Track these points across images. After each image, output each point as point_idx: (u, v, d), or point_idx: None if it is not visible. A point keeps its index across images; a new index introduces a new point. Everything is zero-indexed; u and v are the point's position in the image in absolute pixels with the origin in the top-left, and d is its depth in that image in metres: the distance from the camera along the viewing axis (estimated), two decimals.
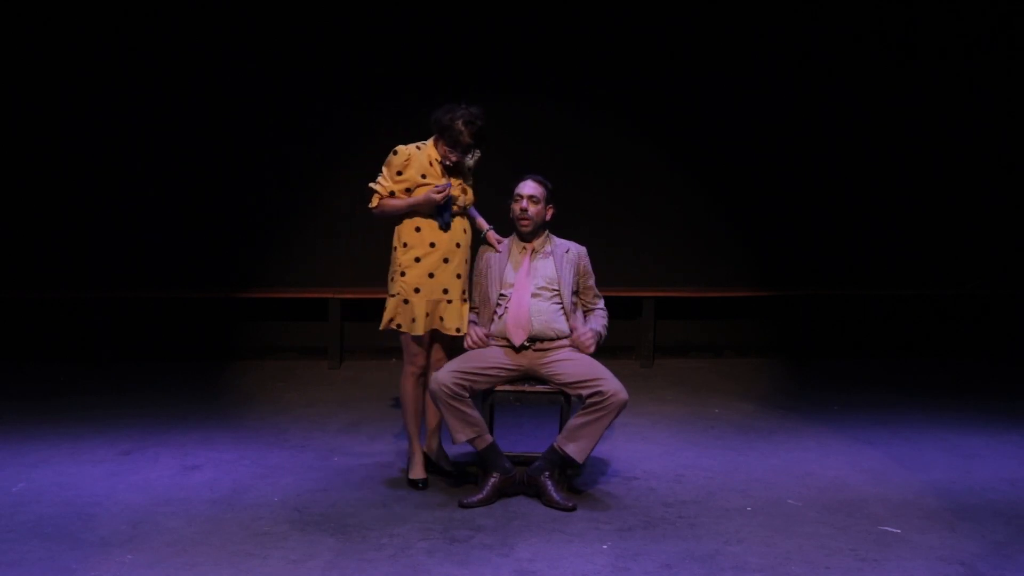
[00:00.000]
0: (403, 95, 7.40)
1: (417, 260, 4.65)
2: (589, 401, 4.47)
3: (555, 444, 4.54)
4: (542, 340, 4.66)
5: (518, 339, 4.63)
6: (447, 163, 4.64)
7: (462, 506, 4.39)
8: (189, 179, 7.34)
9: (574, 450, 4.47)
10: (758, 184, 7.64)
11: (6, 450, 5.11)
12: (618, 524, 4.22)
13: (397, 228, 4.73)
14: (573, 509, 4.38)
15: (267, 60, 7.31)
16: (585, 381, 4.49)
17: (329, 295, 7.27)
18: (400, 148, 4.68)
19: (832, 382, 6.93)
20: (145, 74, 7.24)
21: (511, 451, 4.94)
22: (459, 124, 4.55)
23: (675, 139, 7.58)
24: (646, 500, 4.52)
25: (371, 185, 4.70)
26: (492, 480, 4.48)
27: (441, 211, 4.63)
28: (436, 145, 4.68)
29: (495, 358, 4.63)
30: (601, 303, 4.89)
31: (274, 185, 7.44)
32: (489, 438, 4.54)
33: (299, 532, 4.09)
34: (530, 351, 4.66)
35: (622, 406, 4.47)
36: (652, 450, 5.29)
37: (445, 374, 4.49)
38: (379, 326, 4.78)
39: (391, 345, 7.44)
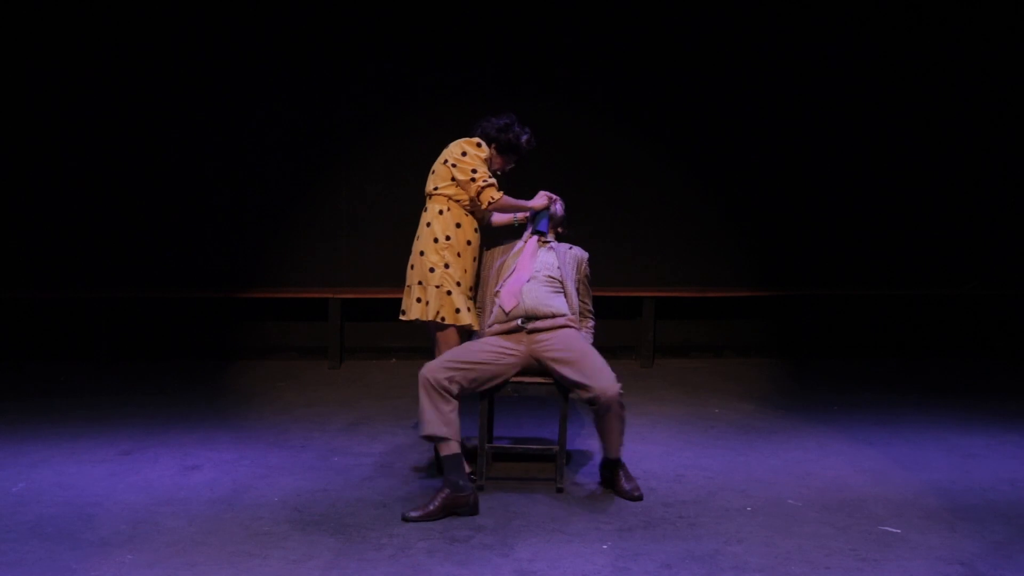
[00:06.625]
0: (404, 96, 7.41)
1: (458, 255, 4.75)
2: (590, 406, 4.50)
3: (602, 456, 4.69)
4: (536, 318, 4.64)
5: (508, 304, 4.65)
6: (498, 173, 4.94)
7: (405, 519, 4.19)
8: (189, 179, 7.35)
9: (609, 451, 4.58)
10: (758, 184, 7.65)
11: (6, 450, 5.11)
12: (618, 524, 4.22)
13: (434, 221, 4.77)
14: (639, 498, 4.50)
15: (267, 60, 7.31)
16: (577, 384, 4.48)
17: (329, 295, 7.27)
18: (480, 140, 4.82)
19: (832, 382, 6.93)
20: (146, 74, 7.25)
21: (510, 447, 4.96)
22: (523, 142, 4.91)
23: (675, 139, 7.58)
24: (646, 500, 4.52)
25: (482, 181, 4.71)
26: (442, 496, 4.26)
27: (538, 216, 4.93)
28: (491, 155, 4.88)
29: (492, 343, 4.61)
30: (592, 313, 4.93)
31: (274, 185, 7.44)
32: (457, 447, 4.36)
33: (299, 532, 4.09)
34: (524, 334, 4.63)
35: (615, 400, 4.41)
36: (652, 450, 5.29)
37: (437, 366, 4.42)
38: (412, 316, 4.75)
39: (391, 345, 7.48)
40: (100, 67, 7.21)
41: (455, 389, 4.40)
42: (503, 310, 4.68)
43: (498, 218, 5.07)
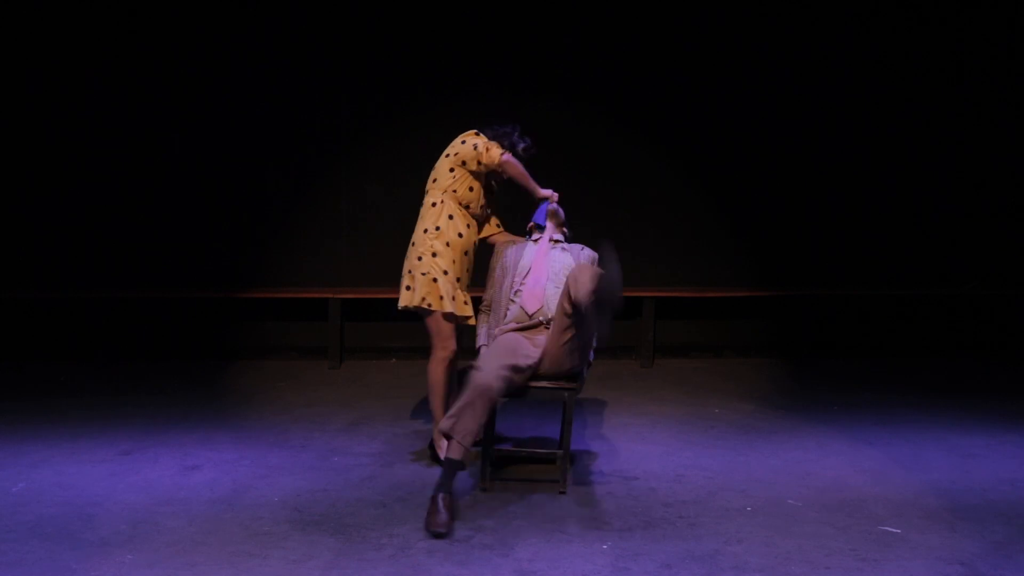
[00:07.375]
0: (404, 96, 7.41)
1: (447, 245, 4.84)
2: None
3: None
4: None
5: (532, 307, 4.73)
6: (493, 182, 5.09)
7: (435, 535, 4.06)
8: (189, 179, 7.34)
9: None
10: (758, 184, 7.65)
11: (6, 450, 5.11)
12: (618, 524, 4.22)
13: (426, 212, 4.89)
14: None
15: (268, 60, 7.31)
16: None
17: (329, 295, 7.27)
18: (479, 131, 4.96)
19: (832, 382, 6.93)
20: (145, 74, 7.24)
21: (515, 451, 4.97)
22: (520, 150, 5.03)
23: (675, 139, 7.58)
24: (646, 500, 4.52)
25: (484, 143, 4.85)
26: (443, 500, 4.18)
27: (542, 208, 5.09)
28: None
29: (524, 341, 4.64)
30: None
31: (274, 185, 7.44)
32: (467, 454, 4.38)
33: (299, 532, 4.09)
34: (543, 328, 4.73)
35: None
36: (652, 450, 5.29)
37: (498, 376, 4.32)
38: (401, 304, 4.84)
39: (391, 345, 7.47)
40: (100, 67, 7.20)
41: (499, 401, 4.43)
42: (525, 312, 4.77)
43: (504, 237, 5.23)
